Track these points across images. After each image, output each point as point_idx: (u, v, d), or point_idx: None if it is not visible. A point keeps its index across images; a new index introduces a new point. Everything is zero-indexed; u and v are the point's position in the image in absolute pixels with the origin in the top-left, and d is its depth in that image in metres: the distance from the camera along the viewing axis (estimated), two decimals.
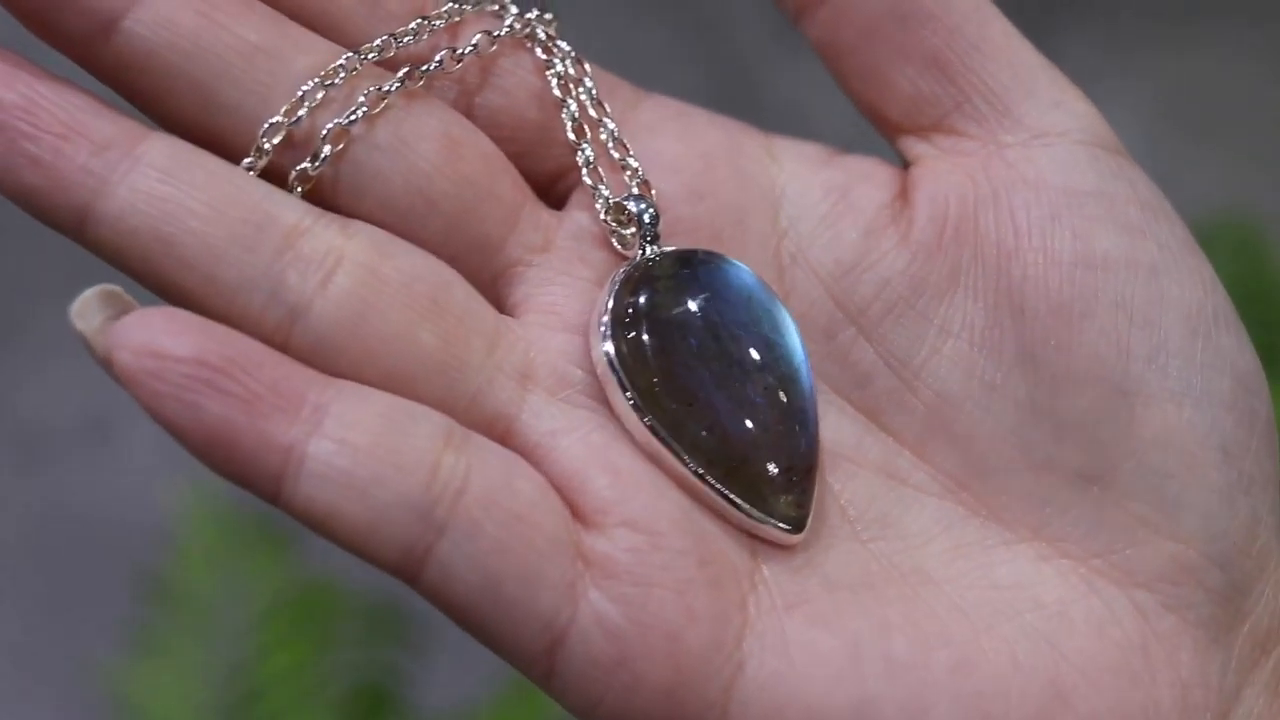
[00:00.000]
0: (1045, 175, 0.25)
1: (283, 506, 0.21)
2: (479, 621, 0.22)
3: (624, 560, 0.22)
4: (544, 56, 0.26)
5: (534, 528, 0.22)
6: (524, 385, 0.23)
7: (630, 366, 0.23)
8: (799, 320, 0.25)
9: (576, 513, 0.23)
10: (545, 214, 0.26)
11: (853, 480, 0.25)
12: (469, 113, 0.25)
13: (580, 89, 0.26)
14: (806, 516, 0.24)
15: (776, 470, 0.24)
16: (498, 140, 0.25)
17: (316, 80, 0.24)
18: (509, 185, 0.25)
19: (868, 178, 0.26)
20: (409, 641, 0.63)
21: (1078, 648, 0.23)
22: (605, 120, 0.26)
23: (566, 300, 0.25)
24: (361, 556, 0.21)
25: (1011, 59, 0.26)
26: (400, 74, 0.24)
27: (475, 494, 0.21)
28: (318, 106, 0.24)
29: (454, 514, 0.21)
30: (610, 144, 0.26)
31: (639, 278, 0.25)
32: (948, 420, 0.25)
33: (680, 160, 0.26)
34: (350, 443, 0.21)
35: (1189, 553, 0.24)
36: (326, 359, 0.22)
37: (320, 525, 0.21)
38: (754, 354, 0.24)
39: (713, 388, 0.24)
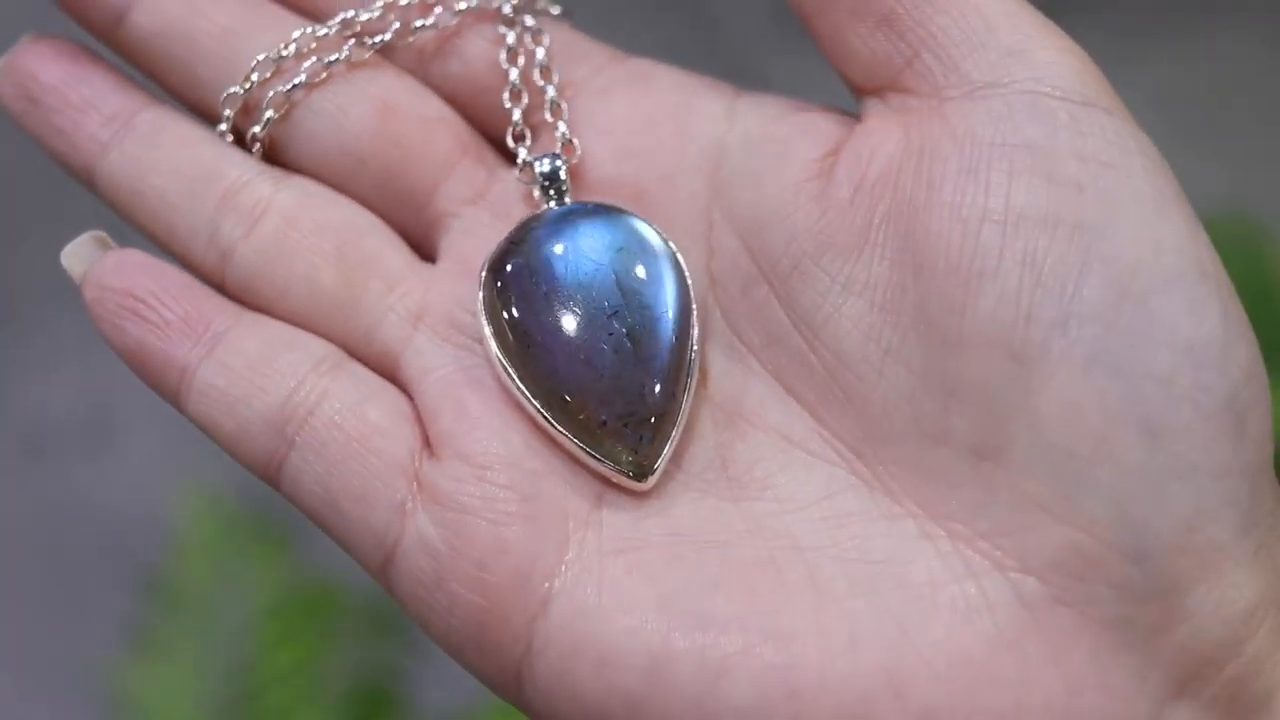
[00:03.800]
0: (974, 128, 0.23)
1: (188, 416, 0.26)
2: (327, 529, 0.25)
3: (448, 488, 0.24)
4: (503, 29, 0.28)
5: (374, 451, 0.24)
6: (414, 325, 0.26)
7: (490, 310, 0.25)
8: (718, 277, 0.26)
9: (428, 443, 0.25)
10: (483, 170, 0.27)
11: (744, 440, 0.25)
12: (427, 79, 0.28)
13: (537, 57, 0.28)
14: (651, 465, 0.24)
15: (606, 418, 0.24)
16: (461, 103, 0.28)
17: (268, 55, 0.27)
18: (445, 144, 0.27)
19: (809, 132, 0.26)
20: (409, 641, 0.63)
21: (931, 635, 0.21)
22: (547, 86, 0.28)
23: (479, 250, 0.26)
24: (237, 461, 0.25)
25: (967, 8, 0.24)
26: (346, 47, 0.27)
27: (323, 416, 0.25)
28: (270, 77, 0.27)
29: (303, 431, 0.24)
30: (548, 109, 0.27)
31: (521, 229, 0.26)
32: (845, 383, 0.24)
33: (618, 122, 0.27)
34: (228, 365, 0.25)
35: (1091, 542, 0.21)
36: (249, 294, 0.26)
37: (206, 433, 0.25)
38: (606, 302, 0.25)
39: (552, 332, 0.25)
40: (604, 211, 0.26)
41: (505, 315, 0.25)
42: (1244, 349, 0.22)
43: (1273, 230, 0.67)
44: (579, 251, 0.25)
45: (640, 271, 0.25)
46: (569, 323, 0.25)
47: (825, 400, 0.24)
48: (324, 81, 0.27)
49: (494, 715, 0.59)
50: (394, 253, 0.27)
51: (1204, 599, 0.21)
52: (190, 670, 0.61)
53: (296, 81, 0.27)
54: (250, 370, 0.25)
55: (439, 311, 0.26)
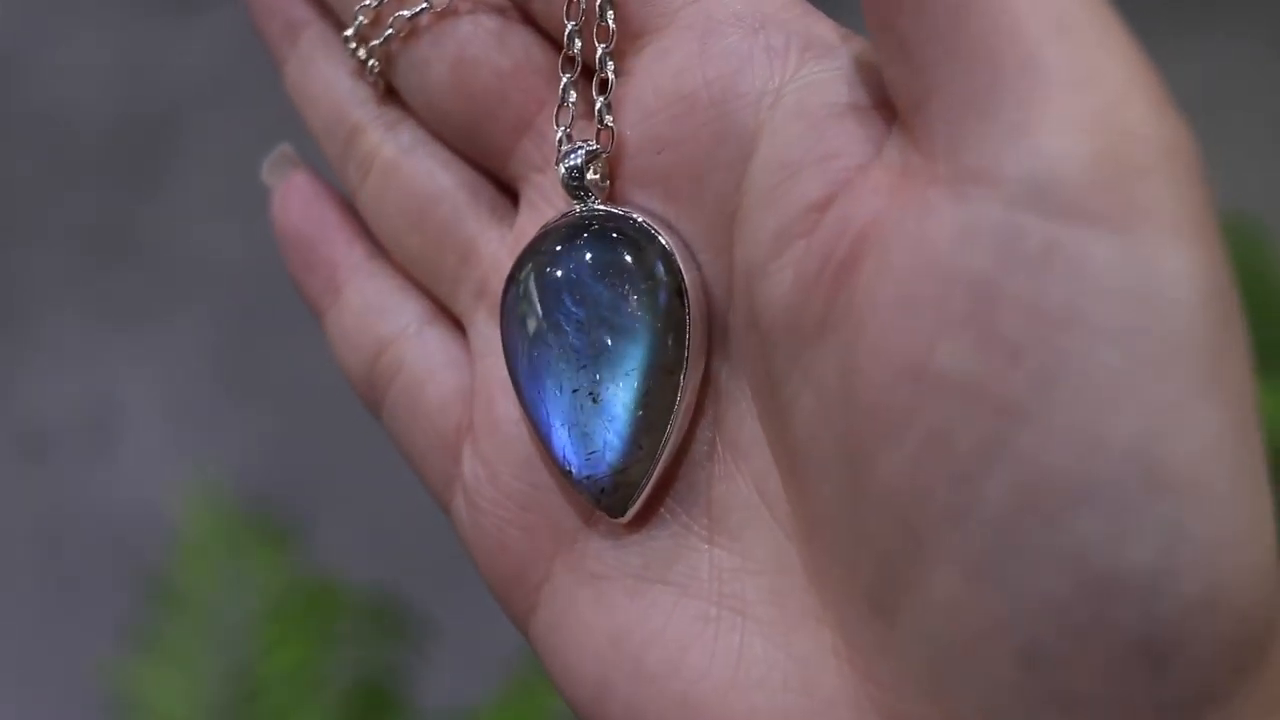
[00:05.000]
0: (936, 241, 0.19)
1: None
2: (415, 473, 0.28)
3: (470, 483, 0.26)
4: None
5: (430, 427, 0.27)
6: (477, 301, 0.27)
7: (502, 326, 0.25)
8: (735, 299, 0.23)
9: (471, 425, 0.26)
10: (559, 129, 0.25)
11: (729, 480, 0.24)
12: (530, 17, 0.26)
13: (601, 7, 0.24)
14: (623, 508, 0.24)
15: (570, 469, 0.24)
16: (556, 40, 0.26)
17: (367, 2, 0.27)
18: (518, 101, 0.26)
19: (825, 161, 0.21)
20: (410, 640, 0.63)
21: None
22: (599, 46, 0.24)
23: (535, 229, 0.25)
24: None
25: (980, 50, 0.18)
26: None
27: (398, 386, 0.27)
28: (371, 24, 0.27)
29: (386, 394, 0.27)
30: (595, 83, 0.25)
31: (536, 241, 0.25)
32: (796, 473, 0.22)
33: (659, 101, 0.24)
34: (340, 321, 0.28)
35: None
36: (375, 233, 0.28)
37: None
38: (576, 357, 0.24)
39: (529, 376, 0.24)
40: (607, 233, 0.24)
41: (507, 342, 0.25)
42: (1193, 581, 0.17)
43: (1273, 231, 0.67)
44: (569, 294, 0.24)
45: (618, 320, 0.23)
46: (541, 373, 0.24)
47: (789, 474, 0.23)
48: (411, 33, 0.26)
49: (494, 715, 0.59)
50: (469, 222, 0.27)
51: None
52: (190, 670, 0.61)
53: (389, 33, 0.27)
54: (353, 330, 0.28)
55: (494, 294, 0.26)
